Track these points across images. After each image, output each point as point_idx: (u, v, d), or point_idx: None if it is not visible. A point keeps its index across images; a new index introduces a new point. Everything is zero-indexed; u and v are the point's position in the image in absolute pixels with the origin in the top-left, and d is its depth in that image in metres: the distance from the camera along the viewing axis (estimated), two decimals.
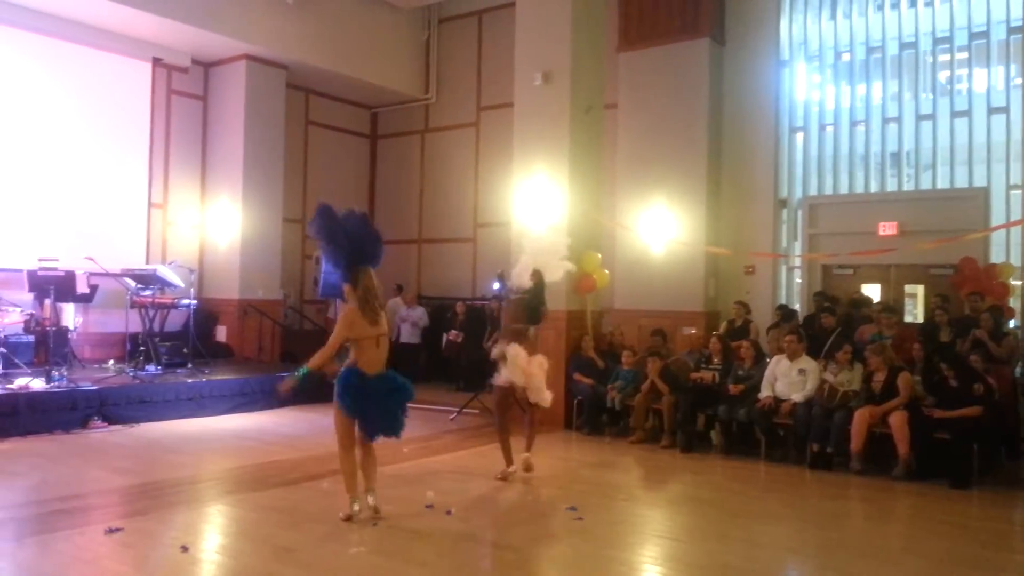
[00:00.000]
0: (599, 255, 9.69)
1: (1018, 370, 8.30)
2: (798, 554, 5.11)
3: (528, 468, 6.80)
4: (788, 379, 7.83)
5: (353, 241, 5.25)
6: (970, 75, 9.88)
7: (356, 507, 5.28)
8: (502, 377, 6.65)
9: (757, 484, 7.05)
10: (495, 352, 6.83)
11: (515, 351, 6.57)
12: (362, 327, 5.19)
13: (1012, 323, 8.77)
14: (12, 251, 10.40)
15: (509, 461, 6.77)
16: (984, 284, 8.76)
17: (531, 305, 6.79)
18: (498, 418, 6.85)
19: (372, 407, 5.22)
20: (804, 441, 7.58)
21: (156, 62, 12.18)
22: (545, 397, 6.78)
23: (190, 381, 9.57)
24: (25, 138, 10.89)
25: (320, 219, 5.28)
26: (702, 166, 10.71)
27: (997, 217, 9.39)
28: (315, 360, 5.19)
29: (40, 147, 11.01)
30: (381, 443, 5.41)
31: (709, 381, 8.45)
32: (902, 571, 4.78)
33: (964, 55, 9.90)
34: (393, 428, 5.34)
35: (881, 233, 9.87)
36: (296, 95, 13.70)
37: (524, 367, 6.59)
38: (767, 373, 7.99)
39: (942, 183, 9.86)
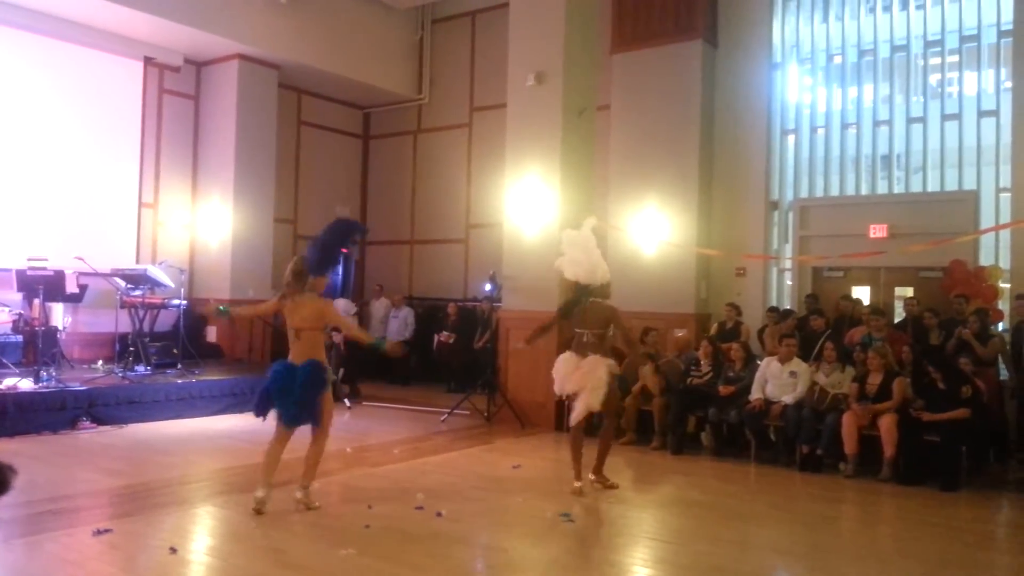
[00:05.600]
0: None
1: (1003, 372, 8.35)
2: (788, 556, 5.11)
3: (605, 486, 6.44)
4: (779, 381, 7.84)
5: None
6: (961, 78, 9.92)
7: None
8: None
9: (747, 486, 7.06)
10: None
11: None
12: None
13: (1000, 326, 8.80)
14: (1, 250, 10.33)
15: (577, 475, 6.33)
16: (973, 287, 8.80)
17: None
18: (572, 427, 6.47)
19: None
20: (794, 443, 7.60)
21: (148, 61, 12.13)
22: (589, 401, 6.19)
23: (180, 381, 9.53)
24: (15, 136, 10.81)
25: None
26: (694, 168, 10.74)
27: (986, 220, 9.43)
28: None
29: (30, 145, 10.94)
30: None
31: (700, 379, 8.47)
32: (892, 573, 4.79)
33: (955, 58, 9.94)
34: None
35: (871, 235, 9.90)
36: (288, 95, 13.66)
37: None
38: (758, 375, 8.01)
39: (932, 186, 9.90)
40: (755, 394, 7.88)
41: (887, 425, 7.07)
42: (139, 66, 12.04)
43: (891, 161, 10.22)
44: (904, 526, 5.96)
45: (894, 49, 10.22)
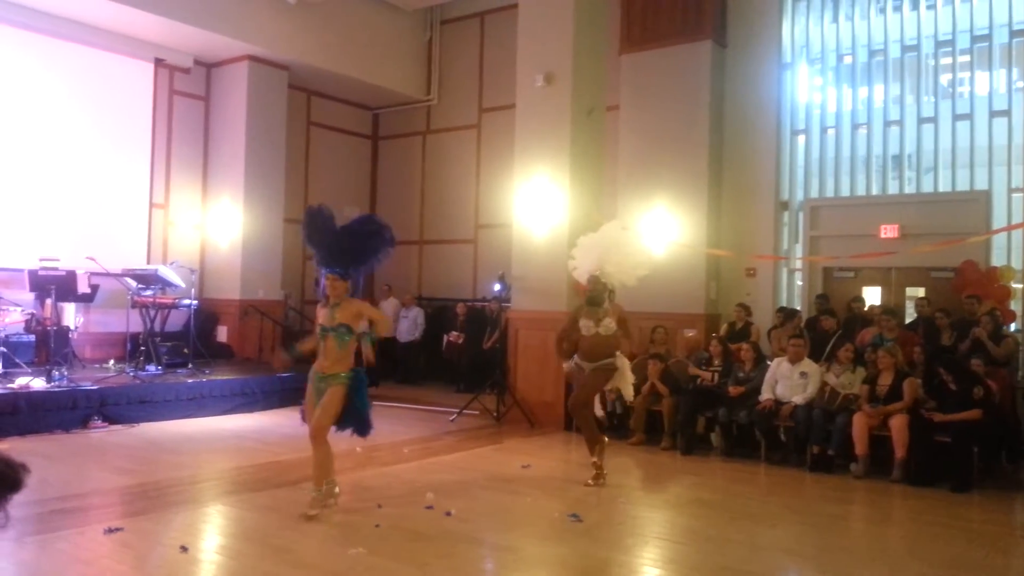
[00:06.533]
0: None
1: (1019, 373, 8.30)
2: (798, 557, 5.10)
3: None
4: (789, 381, 7.82)
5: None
6: (972, 78, 9.86)
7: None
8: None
9: (757, 486, 7.05)
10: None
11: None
12: None
13: (1013, 327, 8.75)
14: (13, 251, 10.40)
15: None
16: (985, 287, 8.75)
17: None
18: (588, 419, 6.84)
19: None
20: (804, 444, 7.57)
21: (158, 62, 12.19)
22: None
23: (190, 381, 9.57)
24: (27, 138, 10.89)
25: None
26: (703, 168, 10.71)
27: (998, 220, 9.38)
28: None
29: (42, 147, 11.02)
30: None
31: (709, 381, 8.46)
32: (903, 574, 4.77)
33: (966, 58, 9.89)
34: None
35: (882, 236, 9.85)
36: (298, 96, 13.71)
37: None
38: (768, 375, 7.99)
39: (943, 186, 9.85)
40: (765, 394, 7.86)
41: (898, 426, 7.04)
42: (150, 67, 12.10)
43: (902, 161, 10.18)
44: (915, 527, 5.93)
45: (905, 49, 10.17)
